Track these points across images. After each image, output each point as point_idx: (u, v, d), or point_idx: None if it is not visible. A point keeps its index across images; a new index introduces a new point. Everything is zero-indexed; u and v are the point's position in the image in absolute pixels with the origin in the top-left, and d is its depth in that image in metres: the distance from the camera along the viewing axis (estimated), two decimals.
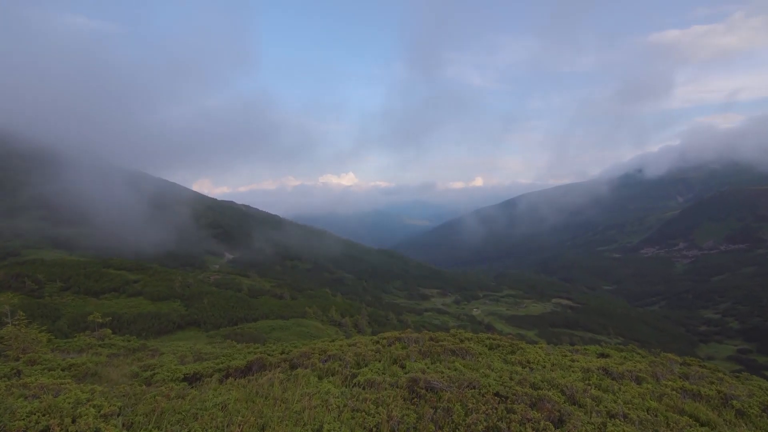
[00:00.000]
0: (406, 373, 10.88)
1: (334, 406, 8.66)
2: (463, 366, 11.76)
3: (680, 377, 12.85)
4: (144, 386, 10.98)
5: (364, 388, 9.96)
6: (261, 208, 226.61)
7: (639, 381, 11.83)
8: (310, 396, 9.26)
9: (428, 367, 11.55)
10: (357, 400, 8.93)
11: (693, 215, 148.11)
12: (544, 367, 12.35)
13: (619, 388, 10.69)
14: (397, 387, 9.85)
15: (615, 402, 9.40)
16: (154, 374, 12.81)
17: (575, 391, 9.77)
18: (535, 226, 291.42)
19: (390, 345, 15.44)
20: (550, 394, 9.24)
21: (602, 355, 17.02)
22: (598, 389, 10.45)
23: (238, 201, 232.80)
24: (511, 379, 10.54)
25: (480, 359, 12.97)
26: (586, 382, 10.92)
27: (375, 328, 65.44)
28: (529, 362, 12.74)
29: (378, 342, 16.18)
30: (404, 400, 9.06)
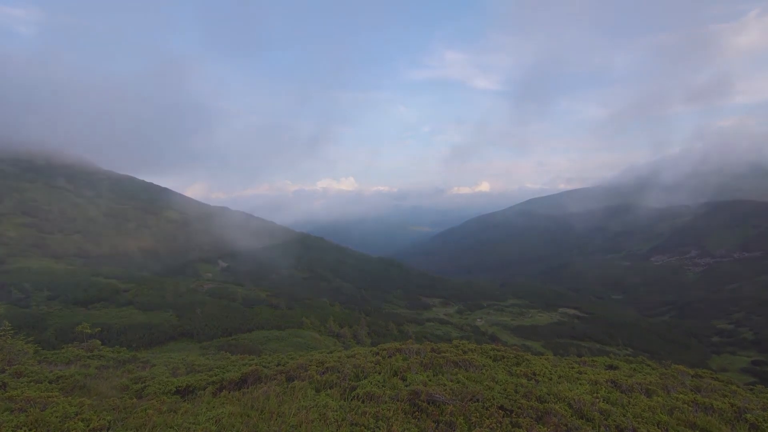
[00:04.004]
0: (407, 386, 10.86)
1: (332, 420, 8.65)
2: (467, 378, 11.74)
3: (692, 390, 12.82)
4: (134, 399, 10.96)
5: (363, 402, 9.94)
6: (264, 216, 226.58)
7: (649, 394, 11.80)
8: (308, 410, 9.25)
9: (430, 380, 11.52)
10: (356, 413, 8.91)
11: (705, 222, 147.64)
12: (551, 380, 12.33)
13: (629, 402, 10.67)
14: (398, 400, 9.83)
15: (624, 416, 9.38)
16: (145, 387, 12.79)
17: (583, 405, 9.76)
18: (542, 233, 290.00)
19: (390, 356, 15.42)
20: (557, 407, 9.22)
21: (611, 367, 16.99)
22: (607, 402, 10.43)
23: (237, 207, 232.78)
24: (516, 391, 10.52)
25: (484, 371, 12.95)
26: (594, 395, 10.90)
27: (375, 338, 65.24)
28: (534, 374, 12.73)
29: (378, 353, 16.15)
30: (405, 414, 9.04)
